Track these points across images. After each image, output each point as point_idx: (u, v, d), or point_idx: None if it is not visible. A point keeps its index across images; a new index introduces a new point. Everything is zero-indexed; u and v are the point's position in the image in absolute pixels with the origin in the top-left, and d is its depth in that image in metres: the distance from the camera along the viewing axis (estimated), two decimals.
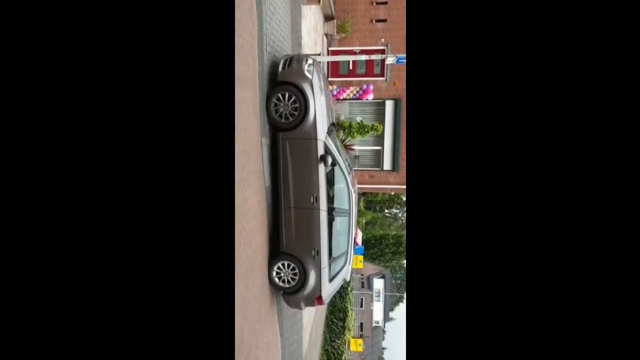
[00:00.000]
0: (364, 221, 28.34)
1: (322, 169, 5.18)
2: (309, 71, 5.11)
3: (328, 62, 11.18)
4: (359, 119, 9.96)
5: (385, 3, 11.05)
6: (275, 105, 5.10)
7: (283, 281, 5.49)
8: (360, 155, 11.78)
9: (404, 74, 10.83)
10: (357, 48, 11.04)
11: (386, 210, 35.83)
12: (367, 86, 10.74)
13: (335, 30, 11.12)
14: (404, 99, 11.07)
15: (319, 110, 5.10)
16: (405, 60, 9.48)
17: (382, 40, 11.20)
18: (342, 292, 14.26)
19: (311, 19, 8.88)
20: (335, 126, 6.27)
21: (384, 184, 11.91)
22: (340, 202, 5.60)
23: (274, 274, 5.45)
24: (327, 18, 10.94)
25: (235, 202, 4.07)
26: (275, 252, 5.55)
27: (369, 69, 11.39)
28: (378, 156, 11.81)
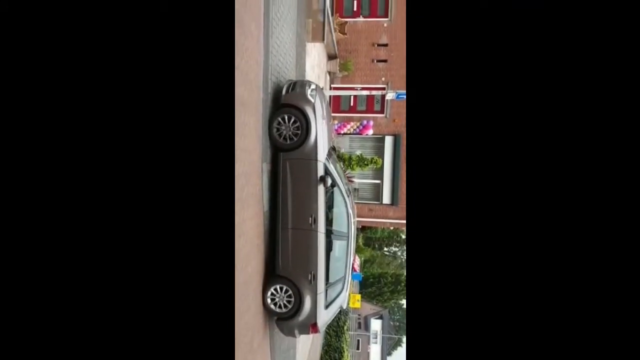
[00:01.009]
0: (362, 258, 27.82)
1: (321, 190, 5.18)
2: (311, 95, 5.25)
3: (330, 97, 11.57)
4: (358, 152, 10.14)
5: (386, 45, 11.64)
6: (278, 127, 5.21)
7: (277, 306, 5.30)
8: (360, 189, 11.83)
9: (403, 110, 11.18)
10: (358, 86, 11.48)
11: (385, 249, 35.32)
12: (367, 122, 11.04)
13: (338, 68, 11.63)
14: (403, 135, 11.32)
15: (320, 132, 5.20)
16: (404, 96, 9.84)
17: (383, 79, 11.67)
18: (338, 331, 13.70)
19: (315, 56, 9.32)
20: (336, 150, 6.37)
21: (383, 217, 11.87)
22: (339, 225, 5.53)
23: (269, 298, 5.27)
24: (330, 57, 11.47)
25: (234, 221, 4.05)
26: (271, 275, 5.41)
27: (370, 105, 11.76)
28: (377, 190, 11.87)
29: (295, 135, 5.17)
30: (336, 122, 11.48)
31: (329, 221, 5.35)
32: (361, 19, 11.62)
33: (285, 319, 5.38)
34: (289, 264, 5.26)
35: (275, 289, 5.26)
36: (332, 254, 5.46)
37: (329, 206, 5.40)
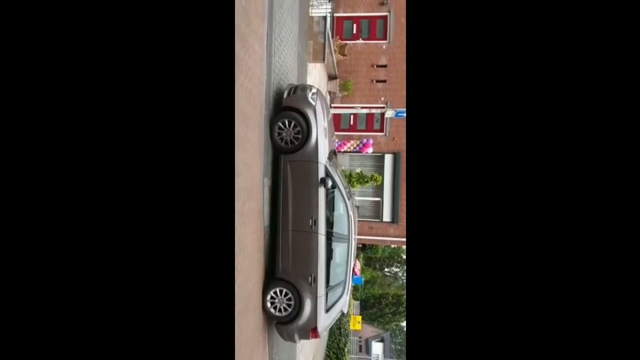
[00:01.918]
0: (363, 279, 27.43)
1: (322, 192, 5.19)
2: (312, 98, 5.32)
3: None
4: (358, 169, 10.22)
5: (385, 66, 11.95)
6: (279, 130, 5.27)
7: (277, 309, 5.21)
8: (360, 206, 11.84)
9: (402, 129, 11.34)
10: (358, 105, 11.70)
11: (386, 269, 34.87)
12: (367, 140, 11.19)
13: (338, 88, 11.89)
14: (403, 153, 11.44)
15: (321, 135, 5.23)
16: (404, 114, 10.00)
17: (382, 99, 11.90)
18: (338, 354, 13.37)
19: (316, 76, 9.55)
20: (336, 154, 6.34)
21: (384, 235, 11.82)
22: (340, 227, 5.50)
23: (269, 301, 5.19)
24: (331, 77, 11.75)
25: (234, 236, 4.07)
26: (271, 277, 5.33)
27: (369, 124, 11.95)
28: (378, 207, 11.88)
29: (296, 139, 5.22)
30: (336, 140, 11.63)
31: (329, 223, 5.33)
32: (360, 41, 11.97)
33: (285, 323, 5.28)
34: (289, 267, 5.22)
35: (275, 292, 5.18)
36: (332, 256, 5.42)
37: (330, 208, 5.40)
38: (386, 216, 11.77)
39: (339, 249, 5.52)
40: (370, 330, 31.25)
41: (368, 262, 29.01)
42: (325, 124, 5.39)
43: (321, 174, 5.19)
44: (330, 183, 5.21)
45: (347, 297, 5.64)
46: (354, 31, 12.04)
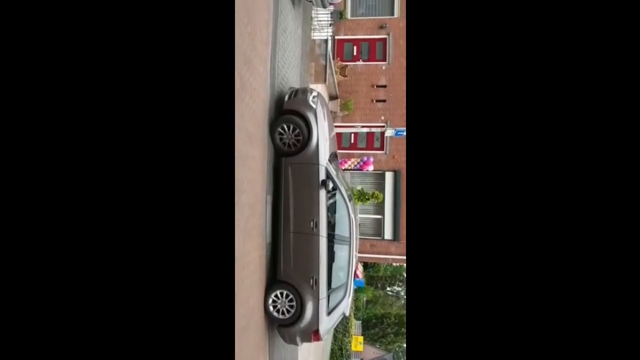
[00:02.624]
0: (364, 298, 27.01)
1: (323, 194, 5.23)
2: (313, 101, 5.39)
3: None
4: (359, 187, 10.32)
5: (385, 86, 12.24)
6: (280, 136, 5.33)
7: (279, 312, 5.20)
8: (362, 224, 11.88)
9: (402, 147, 11.51)
10: (358, 124, 11.92)
11: (388, 288, 34.37)
12: (368, 158, 11.34)
13: (339, 108, 12.14)
14: (403, 171, 11.57)
15: (322, 137, 5.31)
16: (403, 133, 10.19)
17: (382, 117, 12.13)
18: None
19: None
20: (337, 157, 6.33)
21: (385, 253, 11.79)
22: (341, 230, 5.51)
23: (270, 304, 5.19)
24: (332, 97, 12.02)
25: (236, 253, 4.14)
26: (272, 280, 5.33)
27: (370, 142, 12.13)
28: (379, 225, 11.91)
29: (297, 142, 5.29)
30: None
31: (330, 225, 5.36)
32: (361, 62, 12.31)
33: (287, 326, 5.27)
34: (290, 269, 5.23)
35: (277, 295, 5.19)
36: (334, 258, 5.42)
37: (331, 210, 5.42)
38: (387, 234, 11.79)
39: (340, 251, 5.52)
40: (372, 352, 30.50)
41: (370, 281, 28.66)
42: (326, 127, 5.46)
43: (322, 176, 5.25)
44: (331, 185, 5.25)
45: (349, 300, 5.62)
46: (354, 53, 12.40)
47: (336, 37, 12.02)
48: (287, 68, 6.52)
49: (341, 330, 14.23)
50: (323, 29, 8.62)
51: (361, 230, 11.90)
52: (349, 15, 12.28)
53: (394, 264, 17.91)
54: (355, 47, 12.41)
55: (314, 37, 8.56)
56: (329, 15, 8.66)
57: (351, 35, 12.32)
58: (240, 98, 4.32)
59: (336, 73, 11.35)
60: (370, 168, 11.20)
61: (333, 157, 5.69)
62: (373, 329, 29.90)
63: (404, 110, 10.90)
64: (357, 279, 6.81)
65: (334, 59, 11.42)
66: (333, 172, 5.35)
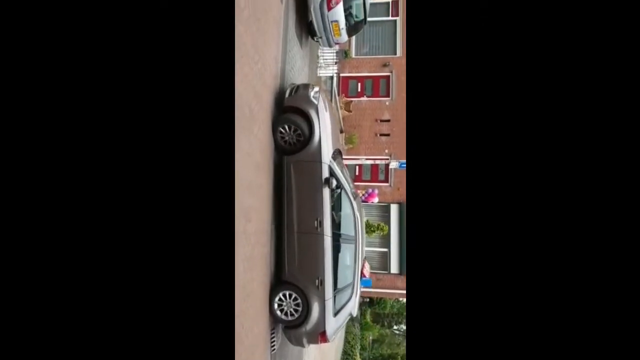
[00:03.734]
0: (370, 338, 25.92)
1: (326, 192, 5.09)
2: (315, 97, 5.23)
3: None
4: (365, 219, 10.31)
5: (388, 120, 12.56)
6: (281, 133, 5.22)
7: (285, 313, 5.02)
8: (367, 257, 11.72)
9: None
10: (363, 157, 12.13)
11: (395, 327, 33.05)
12: (373, 190, 11.42)
13: (344, 141, 12.42)
14: None
15: (324, 134, 5.16)
16: None
17: (386, 151, 12.35)
18: None
19: None
20: (342, 154, 6.06)
21: (392, 288, 11.53)
22: (346, 228, 5.34)
23: (276, 305, 5.03)
24: None
25: (240, 281, 4.13)
26: (278, 281, 5.18)
27: (374, 175, 12.26)
28: (385, 259, 11.74)
29: (298, 141, 5.19)
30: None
31: (335, 224, 5.21)
32: (365, 98, 12.74)
33: (293, 327, 5.10)
34: (295, 269, 5.07)
35: (283, 296, 5.04)
36: (339, 258, 5.25)
37: (335, 209, 5.28)
38: (394, 268, 11.59)
39: (346, 250, 5.36)
40: None
41: (376, 319, 27.64)
42: (329, 123, 5.26)
43: (325, 174, 5.11)
44: (334, 183, 5.11)
45: (356, 300, 5.42)
46: (359, 89, 12.87)
47: (341, 75, 12.53)
48: None
49: None
50: (329, 66, 9.05)
51: (367, 263, 11.72)
52: (353, 54, 12.87)
53: (401, 300, 17.39)
54: (359, 84, 12.89)
55: (320, 74, 8.96)
56: (335, 54, 9.12)
57: (355, 72, 12.84)
58: (249, 129, 4.50)
59: (341, 108, 11.73)
60: (375, 200, 11.24)
61: (337, 154, 5.46)
62: None
63: None
64: (364, 279, 6.62)
65: (339, 94, 11.86)
66: (337, 170, 5.20)
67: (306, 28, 7.52)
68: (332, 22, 7.06)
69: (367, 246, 11.44)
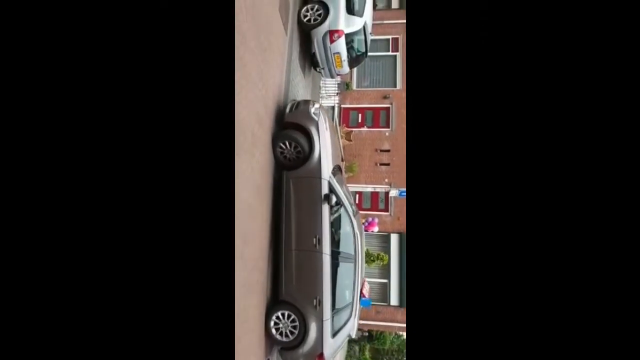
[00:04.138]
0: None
1: (325, 209, 5.01)
2: (315, 113, 5.25)
3: None
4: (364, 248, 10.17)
5: (388, 150, 12.72)
6: (281, 148, 5.23)
7: (281, 334, 4.81)
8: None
9: None
10: (362, 185, 12.16)
11: None
12: (372, 219, 11.34)
13: (344, 170, 12.51)
14: None
15: (324, 150, 5.14)
16: None
17: (386, 180, 12.40)
18: None
19: None
20: (342, 170, 6.04)
21: (392, 321, 11.17)
22: (346, 247, 5.21)
23: (272, 325, 4.83)
24: None
25: (236, 307, 4.01)
26: (274, 300, 5.01)
27: (374, 203, 12.23)
28: (385, 290, 11.46)
29: (298, 157, 5.18)
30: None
31: (334, 242, 5.10)
32: (365, 128, 12.97)
33: (290, 349, 4.88)
34: (293, 288, 4.92)
35: (279, 316, 4.86)
36: (338, 277, 5.09)
37: (335, 226, 5.17)
38: (394, 300, 11.29)
39: (345, 269, 5.21)
40: None
41: (375, 355, 26.50)
42: (329, 139, 5.28)
43: (325, 190, 5.05)
44: (334, 199, 5.05)
45: (355, 321, 5.22)
46: (359, 120, 13.13)
47: (342, 106, 12.84)
48: None
49: None
50: (330, 97, 9.30)
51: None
52: (354, 87, 13.26)
53: (401, 335, 16.78)
54: (360, 115, 13.17)
55: (322, 104, 9.18)
56: (336, 85, 9.40)
57: (356, 104, 13.16)
58: (251, 153, 4.55)
59: (342, 138, 11.91)
60: (375, 229, 11.13)
61: (337, 170, 5.49)
62: None
63: None
64: (363, 298, 6.40)
65: (340, 124, 12.08)
66: (337, 186, 5.16)
67: (309, 59, 7.80)
68: (334, 53, 7.34)
69: (366, 277, 11.21)
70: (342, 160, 12.40)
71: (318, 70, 8.02)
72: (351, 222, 5.33)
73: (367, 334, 16.56)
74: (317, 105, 5.46)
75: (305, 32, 7.24)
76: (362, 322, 11.10)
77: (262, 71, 4.91)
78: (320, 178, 5.11)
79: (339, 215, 5.29)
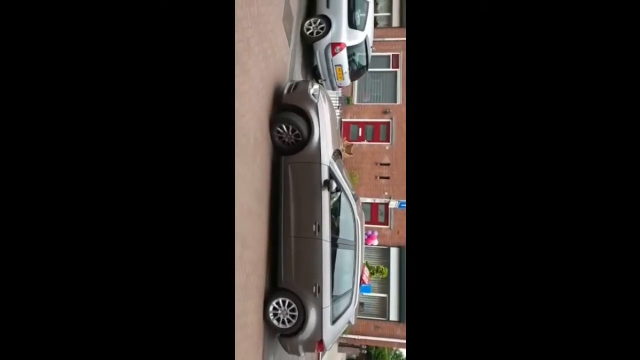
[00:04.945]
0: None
1: (325, 195, 4.87)
2: (314, 95, 4.99)
3: None
4: (363, 261, 10.10)
5: (388, 164, 12.80)
6: (279, 132, 5.02)
7: (280, 321, 4.71)
8: (365, 302, 11.29)
9: None
10: (362, 197, 12.17)
11: None
12: (372, 232, 11.30)
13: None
14: None
15: (324, 134, 4.90)
16: None
17: (386, 193, 12.42)
18: None
19: None
20: (341, 155, 5.79)
21: (391, 336, 10.96)
22: (346, 233, 5.09)
23: (271, 312, 4.73)
24: None
25: (234, 311, 3.97)
26: (273, 287, 4.91)
27: (374, 216, 12.21)
28: (384, 304, 11.30)
29: (297, 141, 5.00)
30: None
31: (334, 229, 4.97)
32: (365, 142, 13.09)
33: (289, 336, 4.79)
34: (291, 276, 4.81)
35: (278, 303, 4.76)
36: (338, 264, 4.96)
37: (335, 212, 5.04)
38: (393, 314, 11.11)
39: (345, 256, 5.10)
40: None
41: None
42: (329, 122, 5.02)
43: (324, 176, 4.89)
44: (334, 185, 4.89)
45: (354, 308, 5.11)
46: (360, 134, 13.27)
47: (343, 120, 13.01)
48: None
49: None
50: None
51: (365, 310, 11.26)
52: (355, 101, 13.46)
53: (400, 353, 16.39)
54: (360, 129, 13.32)
55: (322, 84, 9.28)
56: (337, 99, 9.56)
57: (357, 118, 13.33)
58: (252, 157, 4.61)
59: (342, 151, 12.00)
60: (375, 242, 11.08)
61: (337, 155, 5.22)
62: None
63: None
64: (363, 285, 6.29)
65: (340, 138, 12.20)
66: (337, 171, 5.00)
67: (311, 72, 7.97)
68: (336, 66, 7.51)
69: (366, 292, 11.08)
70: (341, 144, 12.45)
71: (320, 82, 8.18)
72: (351, 207, 5.15)
73: (365, 350, 16.21)
74: (316, 86, 5.15)
75: (307, 45, 7.43)
76: (360, 337, 10.91)
77: (265, 78, 5.02)
78: (320, 163, 4.89)
79: (339, 201, 5.12)
